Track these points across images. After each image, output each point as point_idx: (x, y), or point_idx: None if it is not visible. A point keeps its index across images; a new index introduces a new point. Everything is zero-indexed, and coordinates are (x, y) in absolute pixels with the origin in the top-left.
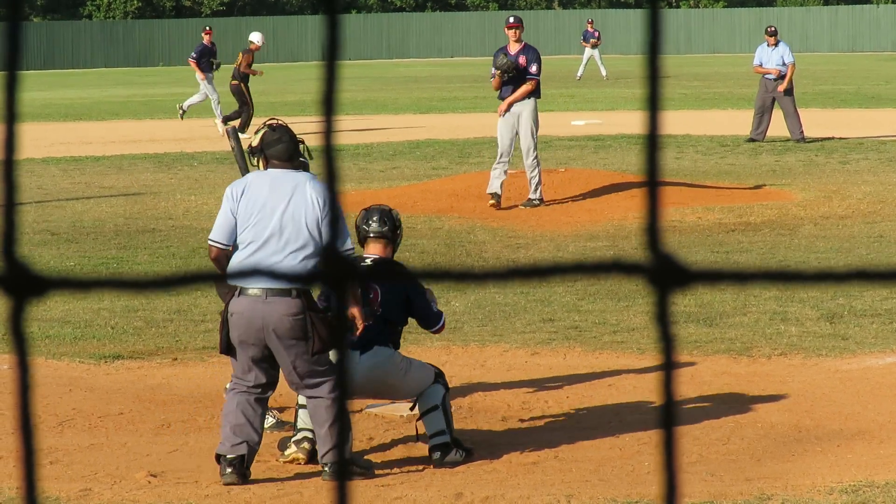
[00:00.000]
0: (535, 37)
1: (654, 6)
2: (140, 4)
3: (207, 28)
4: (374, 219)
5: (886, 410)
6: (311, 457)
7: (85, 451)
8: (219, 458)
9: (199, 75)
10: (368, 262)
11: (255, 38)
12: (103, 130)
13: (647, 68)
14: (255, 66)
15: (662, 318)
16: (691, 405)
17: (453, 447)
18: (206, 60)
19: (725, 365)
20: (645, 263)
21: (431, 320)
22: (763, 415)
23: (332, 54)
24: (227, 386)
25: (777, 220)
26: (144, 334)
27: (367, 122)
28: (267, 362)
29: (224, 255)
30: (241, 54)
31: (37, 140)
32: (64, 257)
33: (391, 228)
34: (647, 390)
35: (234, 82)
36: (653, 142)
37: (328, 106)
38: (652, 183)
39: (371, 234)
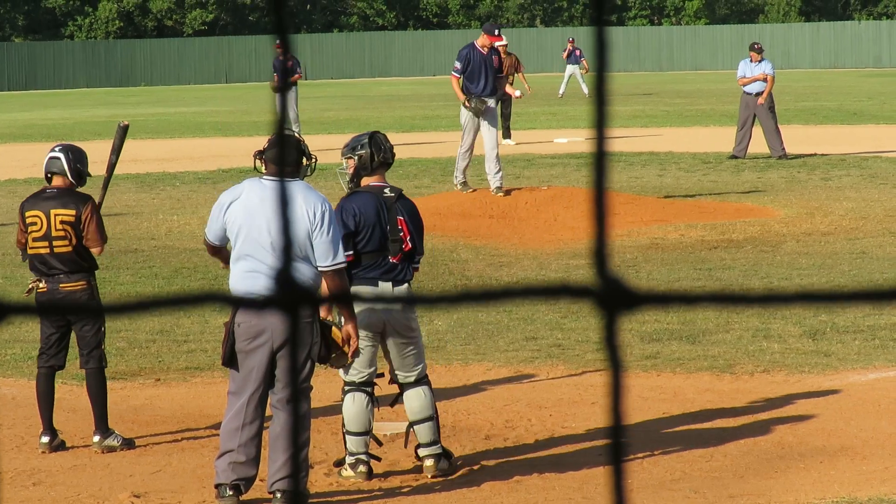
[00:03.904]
0: (517, 54)
1: (600, 25)
2: (122, 24)
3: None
4: (388, 146)
5: (869, 427)
6: (370, 476)
7: (68, 472)
8: (219, 485)
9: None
10: (388, 192)
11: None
12: (85, 151)
13: (596, 89)
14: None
15: (610, 341)
16: (674, 422)
17: (443, 455)
18: (280, 76)
19: (708, 382)
20: (593, 287)
21: (421, 247)
22: (746, 432)
23: (284, 76)
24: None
25: (759, 236)
26: (127, 355)
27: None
28: (267, 372)
29: (221, 249)
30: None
31: (19, 161)
32: None
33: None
34: (630, 409)
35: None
36: (600, 166)
37: (280, 127)
38: (599, 207)
39: (388, 163)
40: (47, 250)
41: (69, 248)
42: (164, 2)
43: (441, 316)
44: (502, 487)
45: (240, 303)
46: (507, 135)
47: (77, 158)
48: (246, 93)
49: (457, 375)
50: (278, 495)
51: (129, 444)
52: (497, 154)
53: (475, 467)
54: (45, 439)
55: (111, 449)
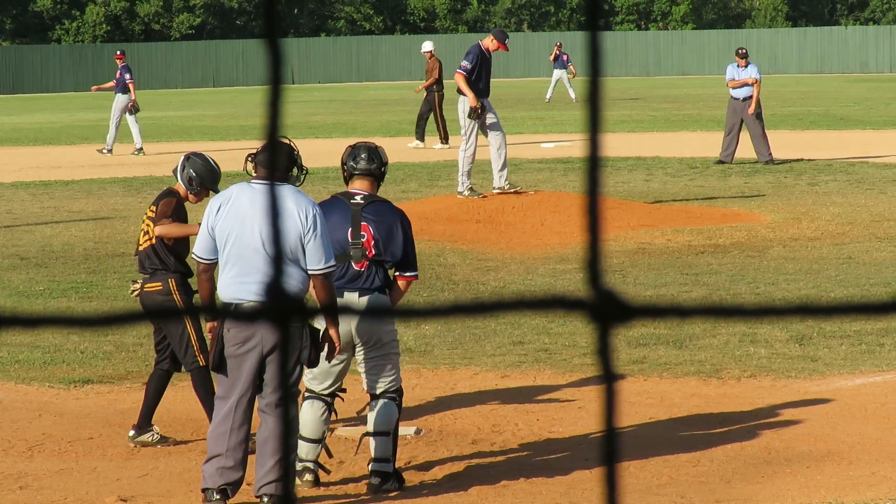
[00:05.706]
0: (504, 58)
1: (592, 29)
2: (109, 28)
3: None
4: (363, 156)
5: (855, 432)
6: (316, 485)
7: (55, 476)
8: (206, 489)
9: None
10: (359, 199)
11: (426, 46)
12: (72, 155)
13: (589, 95)
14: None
15: (604, 353)
16: (661, 427)
17: (392, 477)
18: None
19: (695, 387)
20: (587, 299)
21: (413, 263)
22: (733, 437)
23: (275, 78)
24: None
25: (746, 241)
26: (114, 358)
27: (338, 144)
28: (255, 377)
29: (210, 267)
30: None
31: (6, 165)
32: (33, 282)
33: (378, 166)
34: (617, 413)
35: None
36: (593, 176)
37: (272, 130)
38: (592, 217)
39: (357, 172)
40: (140, 247)
41: (147, 245)
42: (151, 6)
43: (428, 320)
44: (489, 492)
45: (228, 315)
46: (445, 139)
47: (193, 165)
48: (233, 97)
49: (444, 379)
50: (265, 499)
51: (164, 441)
52: (504, 154)
53: (462, 471)
54: (132, 433)
55: (145, 444)
